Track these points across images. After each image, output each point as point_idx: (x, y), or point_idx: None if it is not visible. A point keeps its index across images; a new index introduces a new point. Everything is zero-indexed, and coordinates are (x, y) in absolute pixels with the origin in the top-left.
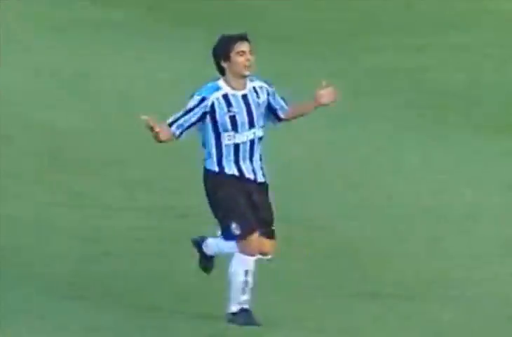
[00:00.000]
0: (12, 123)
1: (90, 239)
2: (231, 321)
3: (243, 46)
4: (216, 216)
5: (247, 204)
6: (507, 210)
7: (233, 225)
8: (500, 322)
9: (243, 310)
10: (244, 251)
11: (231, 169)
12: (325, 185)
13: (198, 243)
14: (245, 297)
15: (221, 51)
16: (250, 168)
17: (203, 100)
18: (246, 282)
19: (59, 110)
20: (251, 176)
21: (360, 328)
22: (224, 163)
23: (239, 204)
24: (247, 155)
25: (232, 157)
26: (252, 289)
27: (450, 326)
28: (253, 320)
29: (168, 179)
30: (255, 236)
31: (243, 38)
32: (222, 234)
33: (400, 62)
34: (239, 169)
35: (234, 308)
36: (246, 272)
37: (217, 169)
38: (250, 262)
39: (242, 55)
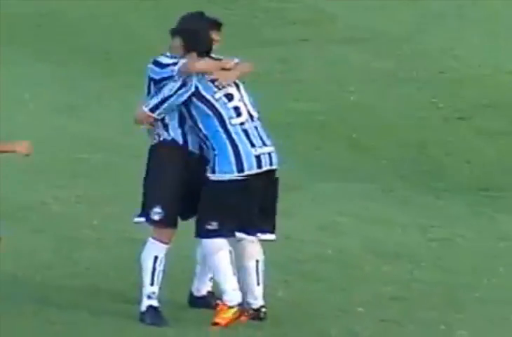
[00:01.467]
0: None
1: None
2: (140, 320)
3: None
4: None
5: None
6: None
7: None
8: None
9: (151, 308)
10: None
11: None
12: None
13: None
14: (154, 288)
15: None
16: None
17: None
18: (154, 270)
19: None
20: None
21: None
22: None
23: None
24: None
25: None
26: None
27: None
28: (160, 320)
29: None
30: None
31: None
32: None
33: None
34: None
35: (143, 306)
36: (155, 259)
37: None
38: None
39: None
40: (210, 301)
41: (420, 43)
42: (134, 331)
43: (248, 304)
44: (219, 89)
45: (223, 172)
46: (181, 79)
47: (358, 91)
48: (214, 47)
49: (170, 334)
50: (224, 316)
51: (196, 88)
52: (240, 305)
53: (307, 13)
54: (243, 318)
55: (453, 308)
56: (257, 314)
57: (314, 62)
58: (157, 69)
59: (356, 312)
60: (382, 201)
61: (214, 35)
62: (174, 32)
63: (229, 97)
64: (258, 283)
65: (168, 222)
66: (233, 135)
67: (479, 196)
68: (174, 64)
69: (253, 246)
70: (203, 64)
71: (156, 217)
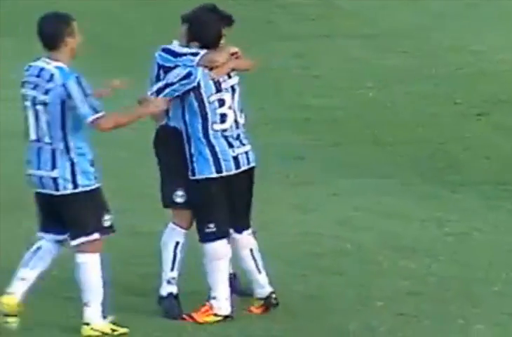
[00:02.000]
0: None
1: None
2: (159, 303)
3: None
4: None
5: None
6: None
7: None
8: None
9: (171, 295)
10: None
11: None
12: None
13: None
14: (174, 274)
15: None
16: None
17: None
18: (175, 255)
19: None
20: None
21: None
22: None
23: None
24: None
25: None
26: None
27: None
28: (175, 310)
29: None
30: None
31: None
32: None
33: None
34: None
35: (164, 291)
36: (176, 244)
37: None
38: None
39: None
40: (236, 285)
41: (438, 39)
42: (150, 324)
43: (257, 294)
44: (217, 92)
45: (202, 173)
46: (187, 69)
47: (376, 87)
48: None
49: (189, 328)
50: (205, 319)
51: (198, 84)
52: (226, 317)
53: (325, 9)
54: (256, 310)
55: (470, 302)
56: (268, 302)
57: (332, 57)
58: (170, 57)
59: (374, 307)
60: (400, 196)
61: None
62: (183, 19)
63: (221, 102)
64: (259, 271)
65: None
66: (212, 140)
67: (496, 191)
68: (193, 54)
69: (244, 237)
70: (224, 57)
71: (179, 200)
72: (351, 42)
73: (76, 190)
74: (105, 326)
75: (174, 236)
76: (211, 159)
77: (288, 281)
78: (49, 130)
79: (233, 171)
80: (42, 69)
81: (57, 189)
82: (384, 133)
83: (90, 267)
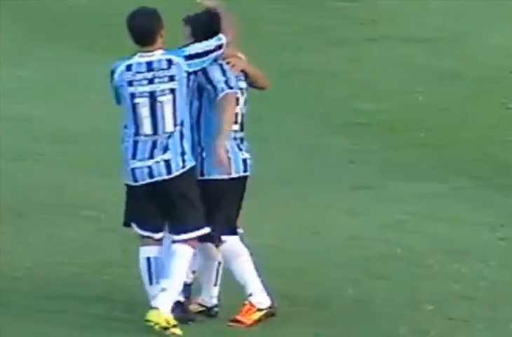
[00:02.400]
0: None
1: None
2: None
3: None
4: None
5: None
6: None
7: None
8: None
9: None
10: None
11: None
12: None
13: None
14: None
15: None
16: None
17: None
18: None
19: None
20: None
21: None
22: None
23: None
24: None
25: None
26: None
27: None
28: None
29: None
30: None
31: None
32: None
33: None
34: None
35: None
36: None
37: None
38: None
39: None
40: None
41: (489, 42)
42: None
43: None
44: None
45: (211, 174)
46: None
47: (426, 91)
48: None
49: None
50: (251, 318)
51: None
52: (269, 307)
53: (375, 13)
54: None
55: None
56: (207, 312)
57: (382, 61)
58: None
59: (424, 311)
60: (450, 200)
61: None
62: (186, 21)
63: (236, 101)
64: (215, 284)
65: None
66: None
67: None
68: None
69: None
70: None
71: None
72: (400, 46)
73: (185, 169)
74: (169, 317)
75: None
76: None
77: (338, 285)
78: (174, 118)
79: (242, 174)
80: (151, 63)
81: (169, 173)
82: (434, 136)
83: (182, 257)
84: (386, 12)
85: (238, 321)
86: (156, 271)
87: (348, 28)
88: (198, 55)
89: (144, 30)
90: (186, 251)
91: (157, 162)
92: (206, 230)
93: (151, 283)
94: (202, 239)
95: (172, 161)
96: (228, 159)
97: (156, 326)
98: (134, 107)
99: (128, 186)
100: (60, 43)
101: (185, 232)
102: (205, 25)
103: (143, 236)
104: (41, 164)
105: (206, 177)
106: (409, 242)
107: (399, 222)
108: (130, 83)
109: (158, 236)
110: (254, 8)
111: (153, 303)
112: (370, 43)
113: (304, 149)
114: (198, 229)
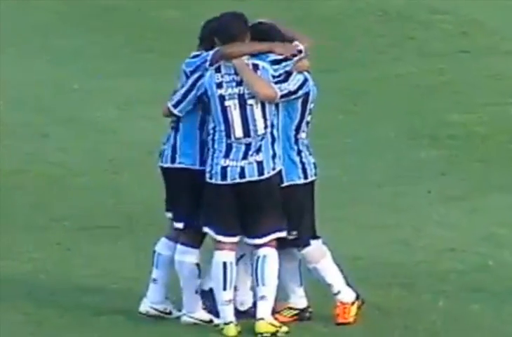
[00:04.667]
0: None
1: None
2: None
3: None
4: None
5: None
6: None
7: None
8: None
9: None
10: None
11: None
12: None
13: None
14: None
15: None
16: None
17: None
18: None
19: None
20: None
21: None
22: None
23: None
24: None
25: None
26: None
27: None
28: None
29: None
30: None
31: None
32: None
33: None
34: None
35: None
36: None
37: None
38: None
39: None
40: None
41: None
42: None
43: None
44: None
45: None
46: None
47: None
48: None
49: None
50: (351, 315)
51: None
52: (357, 298)
53: (465, 26)
54: (282, 319)
55: None
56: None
57: (473, 74)
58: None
59: None
60: None
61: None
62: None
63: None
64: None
65: None
66: (300, 146)
67: None
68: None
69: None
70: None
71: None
72: (492, 58)
73: (275, 171)
74: (273, 321)
75: None
76: (299, 164)
77: (430, 298)
78: (264, 121)
79: (314, 177)
80: (256, 65)
81: (261, 174)
82: None
83: (273, 261)
84: (477, 24)
85: (341, 324)
86: (231, 276)
87: (439, 40)
88: (282, 60)
89: (233, 30)
90: (274, 255)
91: (250, 163)
92: (284, 233)
93: (225, 288)
94: (284, 244)
95: (265, 162)
96: (302, 163)
97: (268, 335)
98: (224, 109)
99: (211, 186)
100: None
101: (267, 234)
102: (264, 35)
103: (218, 241)
104: None
105: (286, 183)
106: (502, 255)
107: (492, 234)
108: (220, 85)
109: (234, 240)
110: (351, 19)
111: (258, 314)
112: (462, 55)
113: (395, 161)
114: (279, 231)
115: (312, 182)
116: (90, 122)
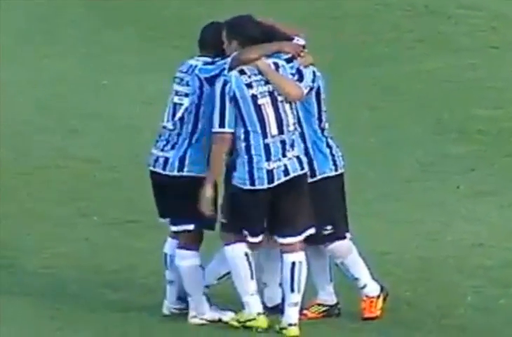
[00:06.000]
0: None
1: None
2: None
3: None
4: None
5: None
6: None
7: None
8: None
9: None
10: None
11: None
12: None
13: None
14: None
15: None
16: None
17: None
18: None
19: None
20: None
21: None
22: None
23: None
24: None
25: None
26: None
27: None
28: None
29: None
30: None
31: None
32: None
33: None
34: None
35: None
36: None
37: None
38: None
39: None
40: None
41: None
42: None
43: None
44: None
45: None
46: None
47: None
48: None
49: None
50: (377, 308)
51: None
52: (381, 290)
53: (495, 20)
54: (311, 315)
55: None
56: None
57: (503, 69)
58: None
59: None
60: None
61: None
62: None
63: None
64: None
65: None
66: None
67: None
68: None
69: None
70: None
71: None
72: None
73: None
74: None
75: None
76: (330, 156)
77: (459, 293)
78: (293, 117)
79: (343, 170)
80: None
81: (302, 168)
82: None
83: (306, 266)
84: (506, 20)
85: (368, 319)
86: (253, 266)
87: (468, 35)
88: (292, 57)
89: (253, 32)
90: (304, 259)
91: (290, 159)
92: (314, 230)
93: (252, 277)
94: (316, 240)
95: (301, 157)
96: (333, 155)
97: None
98: (259, 108)
99: (248, 192)
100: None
101: (302, 232)
102: (270, 35)
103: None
104: None
105: (319, 176)
106: None
107: None
108: (250, 85)
109: (257, 239)
110: (380, 15)
111: (287, 320)
112: (491, 50)
113: (424, 157)
114: (311, 227)
115: (342, 175)
116: (119, 117)
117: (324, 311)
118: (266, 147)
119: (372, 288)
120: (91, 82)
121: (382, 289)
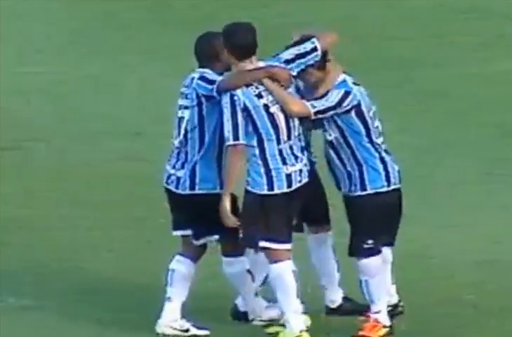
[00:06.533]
0: None
1: None
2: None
3: None
4: None
5: None
6: None
7: None
8: None
9: None
10: None
11: None
12: None
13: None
14: None
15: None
16: None
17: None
18: None
19: None
20: None
21: None
22: None
23: None
24: None
25: None
26: None
27: None
28: None
29: None
30: None
31: None
32: None
33: None
34: None
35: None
36: None
37: None
38: None
39: None
40: (348, 307)
41: None
42: None
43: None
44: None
45: (374, 187)
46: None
47: None
48: None
49: None
50: (379, 334)
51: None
52: (390, 326)
53: None
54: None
55: None
56: (395, 311)
57: None
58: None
59: None
60: None
61: None
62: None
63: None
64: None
65: None
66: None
67: None
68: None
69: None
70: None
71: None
72: None
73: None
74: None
75: None
76: (383, 172)
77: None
78: (297, 122)
79: (398, 185)
80: None
81: (309, 176)
82: None
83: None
84: None
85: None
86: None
87: None
88: (297, 57)
89: (249, 45)
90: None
91: (305, 165)
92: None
93: (298, 295)
94: (349, 252)
95: (307, 164)
96: (387, 171)
97: None
98: (272, 117)
99: (270, 197)
100: None
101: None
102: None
103: (275, 250)
104: None
105: (370, 191)
106: None
107: None
108: (260, 96)
109: (288, 246)
110: (442, 18)
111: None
112: None
113: (486, 159)
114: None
115: (396, 190)
116: None
117: (388, 311)
118: (280, 152)
119: (384, 317)
120: (153, 85)
121: (391, 326)
